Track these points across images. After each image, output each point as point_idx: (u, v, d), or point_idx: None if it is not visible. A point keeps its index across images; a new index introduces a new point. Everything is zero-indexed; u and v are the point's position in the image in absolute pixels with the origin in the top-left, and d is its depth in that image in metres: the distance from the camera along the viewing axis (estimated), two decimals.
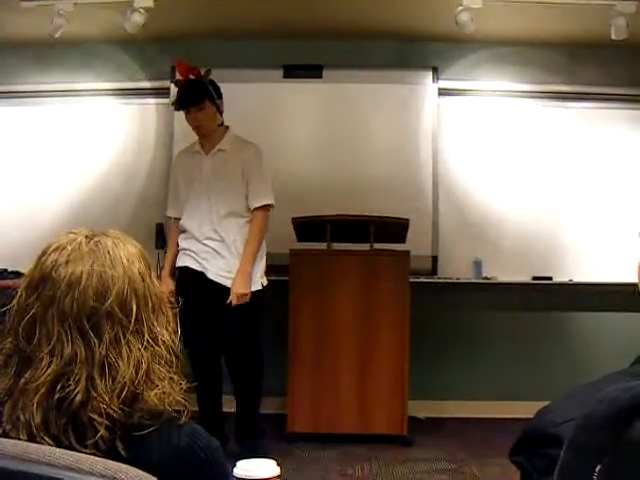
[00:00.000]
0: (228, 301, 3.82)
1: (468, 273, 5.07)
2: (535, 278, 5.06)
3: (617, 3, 4.31)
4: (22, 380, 1.08)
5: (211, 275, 3.92)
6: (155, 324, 1.16)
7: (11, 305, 1.13)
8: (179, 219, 4.08)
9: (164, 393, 1.13)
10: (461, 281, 5.06)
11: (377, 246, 4.39)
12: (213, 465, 1.12)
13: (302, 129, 5.20)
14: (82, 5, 4.41)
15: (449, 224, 5.11)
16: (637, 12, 4.30)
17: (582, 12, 4.47)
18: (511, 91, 5.18)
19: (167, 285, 3.89)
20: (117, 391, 1.08)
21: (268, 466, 1.22)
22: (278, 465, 1.23)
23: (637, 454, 0.78)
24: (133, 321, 1.12)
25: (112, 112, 5.26)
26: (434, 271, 5.06)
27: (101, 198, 5.12)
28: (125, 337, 1.11)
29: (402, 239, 4.38)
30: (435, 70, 5.14)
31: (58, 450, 0.96)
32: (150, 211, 5.06)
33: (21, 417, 1.05)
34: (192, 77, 4.01)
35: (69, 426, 1.05)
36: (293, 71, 5.13)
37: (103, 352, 1.09)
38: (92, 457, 0.94)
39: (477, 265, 5.06)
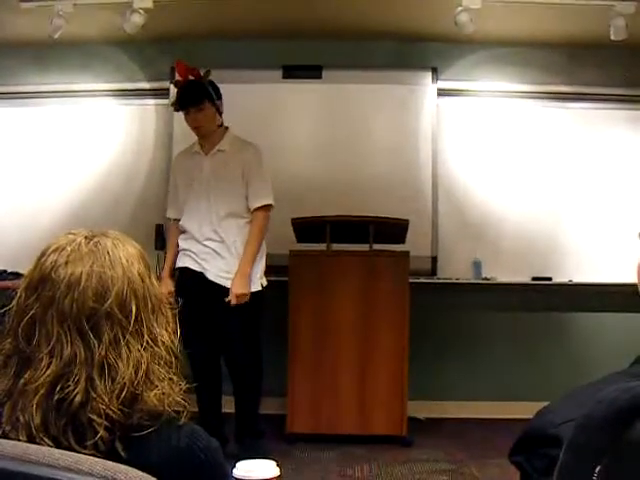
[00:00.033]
0: (227, 300, 3.82)
1: (468, 274, 5.07)
2: (535, 279, 5.06)
3: (616, 4, 4.32)
4: (21, 381, 1.08)
5: (211, 276, 3.92)
6: (154, 325, 1.16)
7: (11, 306, 1.13)
8: (179, 220, 4.08)
9: (163, 394, 1.13)
10: (461, 282, 5.06)
11: (377, 247, 4.38)
12: (213, 466, 1.12)
13: (301, 130, 5.20)
14: (81, 6, 4.41)
15: (449, 225, 5.11)
16: (636, 13, 4.30)
17: (581, 13, 4.47)
18: (510, 92, 5.18)
19: (166, 286, 3.89)
20: (116, 392, 1.07)
21: (268, 467, 1.22)
22: (278, 466, 1.23)
23: (637, 455, 0.78)
24: (132, 322, 1.12)
25: (111, 113, 5.26)
26: (434, 272, 5.06)
27: (100, 199, 5.12)
28: (124, 338, 1.11)
29: (402, 240, 4.38)
30: (434, 71, 5.14)
31: (57, 451, 0.96)
32: (150, 212, 5.06)
33: (20, 418, 1.05)
34: (191, 78, 4.01)
35: (68, 427, 1.05)
36: (292, 72, 5.13)
37: (102, 353, 1.09)
38: (91, 458, 0.94)
39: (477, 266, 5.06)
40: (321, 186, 5.00)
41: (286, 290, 4.28)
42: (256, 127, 4.64)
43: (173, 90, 4.36)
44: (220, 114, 4.04)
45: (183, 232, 4.04)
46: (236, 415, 4.05)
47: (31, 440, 1.03)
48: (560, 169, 5.14)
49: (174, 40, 4.96)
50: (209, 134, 4.01)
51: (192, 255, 3.97)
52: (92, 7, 4.48)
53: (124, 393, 1.08)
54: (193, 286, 3.90)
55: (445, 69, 5.17)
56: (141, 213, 5.09)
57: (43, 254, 1.14)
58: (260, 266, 3.99)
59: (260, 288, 3.96)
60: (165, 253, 4.32)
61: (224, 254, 3.93)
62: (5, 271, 4.78)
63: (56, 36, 4.44)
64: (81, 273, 1.11)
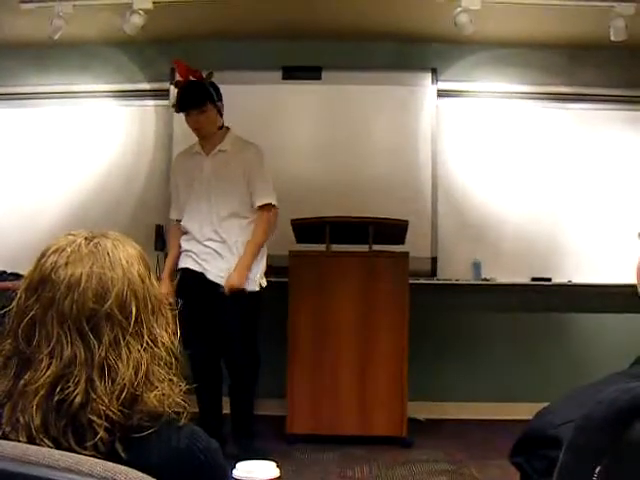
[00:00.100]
0: (221, 291, 3.82)
1: (467, 274, 5.07)
2: (534, 279, 5.06)
3: (616, 5, 4.32)
4: (21, 382, 1.08)
5: (211, 276, 3.92)
6: (154, 326, 1.16)
7: (11, 307, 1.13)
8: (180, 221, 4.08)
9: (163, 395, 1.13)
10: (460, 282, 5.06)
11: (376, 247, 4.38)
12: (212, 467, 1.12)
13: (301, 131, 5.20)
14: (81, 7, 4.41)
15: (448, 225, 5.11)
16: (636, 14, 4.30)
17: (581, 14, 4.47)
18: (510, 92, 5.18)
19: (166, 286, 3.89)
20: (116, 393, 1.07)
21: (268, 468, 1.22)
22: (278, 467, 1.23)
23: (637, 455, 0.78)
24: (132, 323, 1.12)
25: (111, 114, 5.26)
26: (433, 272, 5.06)
27: (100, 200, 5.12)
28: (124, 339, 1.11)
29: (401, 240, 4.38)
30: (434, 71, 5.14)
31: (57, 452, 0.96)
32: (150, 213, 5.07)
33: (20, 419, 1.05)
34: (192, 78, 4.00)
35: (68, 428, 1.05)
36: (292, 73, 5.13)
37: (102, 354, 1.09)
38: (91, 459, 0.94)
39: (476, 266, 5.06)
40: (321, 187, 5.01)
41: (286, 291, 4.28)
42: (256, 128, 4.64)
43: (173, 91, 4.36)
44: (221, 115, 4.05)
45: (185, 233, 4.04)
46: (231, 415, 4.05)
47: (31, 441, 1.03)
48: (560, 170, 5.14)
49: (174, 41, 4.96)
50: (210, 135, 4.01)
51: (193, 256, 3.97)
52: (92, 8, 4.48)
53: (124, 394, 1.08)
54: (194, 287, 3.90)
55: (445, 70, 5.17)
56: (141, 214, 5.09)
57: (43, 255, 1.14)
58: (260, 266, 3.99)
59: (258, 288, 3.95)
60: (165, 254, 4.32)
61: (225, 254, 3.93)
62: (5, 272, 4.78)
63: (56, 37, 4.44)
64: (81, 274, 1.11)
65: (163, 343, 1.16)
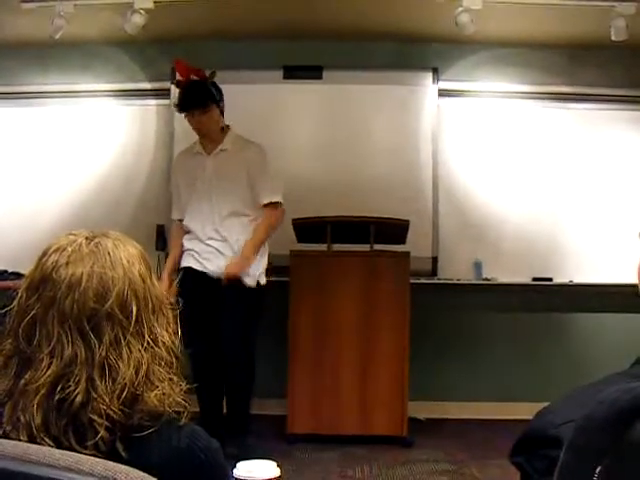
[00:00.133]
0: (221, 283, 3.84)
1: (468, 274, 5.07)
2: (535, 279, 5.06)
3: (617, 4, 4.31)
4: (22, 381, 1.08)
5: (212, 273, 3.93)
6: (155, 325, 1.16)
7: (11, 306, 1.13)
8: (182, 220, 4.09)
9: (164, 394, 1.13)
10: (461, 282, 5.06)
11: (377, 247, 4.39)
12: (213, 466, 1.12)
13: (302, 130, 5.20)
14: (82, 6, 4.41)
15: (449, 225, 5.11)
16: (637, 13, 4.30)
17: (582, 13, 4.47)
18: (511, 92, 5.18)
19: (165, 285, 3.88)
20: (117, 392, 1.07)
21: (268, 467, 1.22)
22: (278, 466, 1.23)
23: (637, 455, 0.78)
24: (133, 322, 1.12)
25: (112, 113, 5.26)
26: (434, 272, 5.06)
27: (101, 199, 5.12)
28: (125, 338, 1.11)
29: (402, 240, 4.38)
30: (435, 71, 5.14)
31: (58, 451, 0.96)
32: (150, 212, 5.07)
33: (21, 418, 1.05)
34: (195, 78, 3.99)
35: (69, 427, 1.05)
36: (293, 72, 5.13)
37: (103, 353, 1.09)
38: (92, 458, 0.94)
39: (477, 266, 5.06)
40: (322, 186, 5.00)
41: (287, 290, 4.28)
42: (257, 128, 4.64)
43: (175, 90, 4.36)
44: (223, 115, 4.05)
45: (187, 232, 4.05)
46: (227, 413, 4.04)
47: (32, 440, 1.03)
48: (561, 170, 5.14)
49: (175, 40, 4.96)
50: (211, 135, 4.01)
51: (195, 255, 3.98)
52: (93, 7, 4.48)
53: (125, 393, 1.08)
54: (195, 286, 3.90)
55: (446, 70, 5.17)
56: (142, 214, 5.09)
57: (44, 254, 1.14)
58: (261, 264, 4.00)
59: (254, 285, 3.94)
60: (166, 253, 4.32)
61: (226, 252, 3.94)
62: (6, 271, 4.78)
63: (57, 36, 4.44)
64: (82, 274, 1.11)
65: (164, 343, 1.16)
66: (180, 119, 4.29)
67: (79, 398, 1.05)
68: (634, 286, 1.09)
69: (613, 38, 4.38)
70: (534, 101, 5.18)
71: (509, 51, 5.10)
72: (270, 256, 4.09)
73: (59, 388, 1.06)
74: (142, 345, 1.13)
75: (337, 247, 4.40)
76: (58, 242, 1.15)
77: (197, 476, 1.10)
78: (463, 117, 5.20)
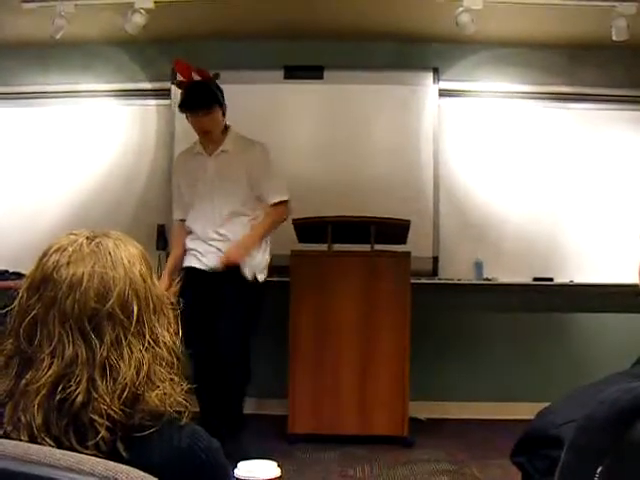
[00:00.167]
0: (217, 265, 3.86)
1: (469, 274, 5.07)
2: (536, 279, 5.05)
3: (618, 4, 4.31)
4: (23, 381, 1.08)
5: (212, 268, 3.93)
6: (156, 325, 1.16)
7: (12, 306, 1.13)
8: (184, 220, 4.09)
9: (165, 394, 1.13)
10: (462, 282, 5.06)
11: (378, 247, 4.39)
12: (214, 466, 1.12)
13: (303, 130, 5.20)
14: (83, 6, 4.41)
15: (450, 225, 5.11)
16: (637, 13, 4.30)
17: (583, 13, 4.47)
18: (512, 92, 5.18)
19: (165, 284, 3.87)
20: (118, 392, 1.08)
21: (269, 467, 1.22)
22: (279, 466, 1.23)
23: (638, 455, 0.78)
24: (134, 322, 1.12)
25: (113, 113, 5.26)
26: (435, 272, 5.06)
27: (102, 199, 5.12)
28: (126, 338, 1.11)
29: (403, 240, 4.38)
30: (436, 71, 5.14)
31: (59, 451, 0.96)
32: (151, 212, 5.07)
33: (22, 418, 1.05)
34: (198, 78, 3.99)
35: (70, 427, 1.05)
36: (294, 72, 5.13)
37: (104, 353, 1.09)
38: (93, 458, 0.94)
39: (478, 266, 5.06)
40: (322, 186, 5.01)
41: (287, 290, 4.28)
42: (257, 128, 4.64)
43: (175, 90, 4.35)
44: (224, 116, 4.05)
45: (190, 233, 4.06)
46: (221, 412, 4.00)
47: (32, 440, 1.03)
48: (561, 170, 5.14)
49: (175, 40, 4.96)
50: (213, 136, 4.01)
51: (197, 255, 3.99)
52: (93, 7, 4.48)
53: (125, 393, 1.08)
54: (196, 286, 3.90)
55: (446, 70, 5.17)
56: (142, 213, 5.09)
57: (45, 254, 1.14)
58: (262, 260, 4.00)
59: (252, 277, 3.94)
60: (167, 253, 4.32)
61: None
62: (7, 271, 4.78)
63: (58, 36, 4.45)
64: (83, 273, 1.11)
65: (165, 343, 1.16)
66: (180, 119, 4.29)
67: (80, 398, 1.05)
68: (635, 286, 1.09)
69: (614, 38, 4.38)
70: (534, 101, 5.18)
71: (510, 51, 5.10)
72: (271, 256, 4.09)
73: (60, 388, 1.06)
74: (143, 345, 1.13)
75: (338, 247, 4.40)
76: (59, 242, 1.15)
77: (198, 476, 1.10)
78: (464, 117, 5.20)
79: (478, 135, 5.18)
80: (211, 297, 3.90)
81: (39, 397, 1.06)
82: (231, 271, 3.88)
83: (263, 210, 4.02)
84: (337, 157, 5.10)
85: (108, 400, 1.06)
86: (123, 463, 0.94)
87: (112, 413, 1.06)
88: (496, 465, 3.76)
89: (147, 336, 1.14)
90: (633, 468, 0.78)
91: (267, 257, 4.05)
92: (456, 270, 5.07)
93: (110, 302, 1.10)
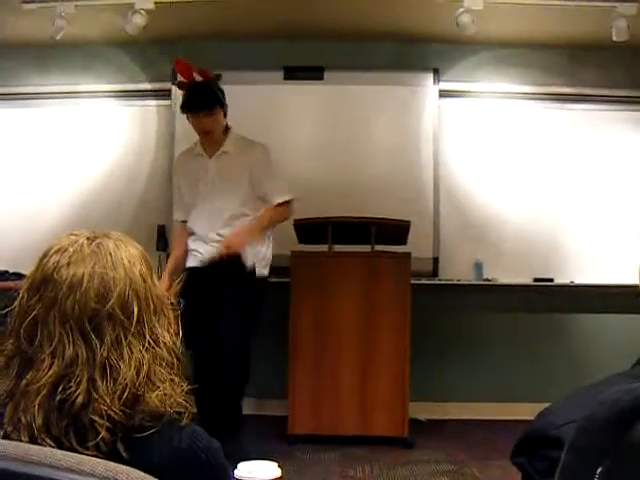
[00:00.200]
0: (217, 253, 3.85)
1: (469, 275, 5.07)
2: (536, 280, 5.05)
3: (618, 5, 4.32)
4: (23, 382, 1.08)
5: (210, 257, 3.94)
6: (156, 326, 1.16)
7: (13, 307, 1.13)
8: (186, 221, 4.09)
9: (165, 395, 1.13)
10: (462, 283, 5.06)
11: (378, 248, 4.38)
12: (214, 466, 1.12)
13: (303, 131, 5.20)
14: (83, 7, 4.42)
15: (450, 226, 5.11)
16: (638, 14, 4.30)
17: (583, 14, 4.47)
18: (512, 93, 5.18)
19: (164, 283, 3.86)
20: (118, 393, 1.08)
21: (269, 468, 1.22)
22: (279, 467, 1.23)
23: (638, 456, 0.78)
24: (134, 323, 1.12)
25: (113, 114, 5.26)
26: (435, 273, 5.06)
27: (102, 200, 5.12)
28: (126, 339, 1.11)
29: (403, 241, 4.38)
30: (436, 72, 5.14)
31: (59, 452, 0.96)
32: (151, 213, 5.07)
33: (22, 419, 1.06)
34: (200, 78, 3.98)
35: (70, 428, 1.05)
36: (294, 73, 5.13)
37: (104, 354, 1.09)
38: (93, 459, 0.94)
39: (478, 267, 5.06)
40: (322, 187, 5.00)
41: (288, 291, 4.28)
42: (257, 128, 4.64)
43: (175, 91, 4.35)
44: (226, 117, 4.05)
45: (192, 233, 4.06)
46: (220, 412, 3.98)
47: (33, 441, 1.03)
48: (561, 170, 5.14)
49: (175, 41, 4.96)
50: (214, 137, 4.01)
51: (199, 255, 4.00)
52: (94, 8, 4.48)
53: (126, 394, 1.08)
54: (197, 286, 3.90)
55: (447, 70, 5.17)
56: (143, 214, 5.09)
57: (45, 255, 1.14)
58: (267, 252, 4.00)
59: (251, 268, 3.93)
60: (167, 254, 4.32)
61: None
62: (7, 271, 4.78)
63: (58, 37, 4.45)
64: (83, 274, 1.11)
65: (165, 343, 1.16)
66: (181, 120, 4.29)
67: (80, 399, 1.05)
68: (635, 287, 1.09)
69: (614, 39, 4.38)
70: (535, 102, 5.18)
71: (510, 52, 5.11)
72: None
73: (60, 389, 1.06)
74: (143, 345, 1.13)
75: (338, 248, 4.40)
76: (59, 243, 1.15)
77: (198, 476, 1.10)
78: (464, 118, 5.20)
79: (478, 136, 5.19)
80: (211, 297, 3.89)
81: (39, 397, 1.06)
82: (231, 269, 3.87)
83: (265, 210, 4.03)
84: (337, 158, 5.10)
85: (108, 401, 1.06)
86: (123, 464, 0.94)
87: (112, 414, 1.06)
88: (496, 466, 3.76)
89: (147, 336, 1.14)
90: (633, 469, 0.78)
91: (269, 251, 4.05)
92: (456, 271, 5.07)
93: (110, 302, 1.10)
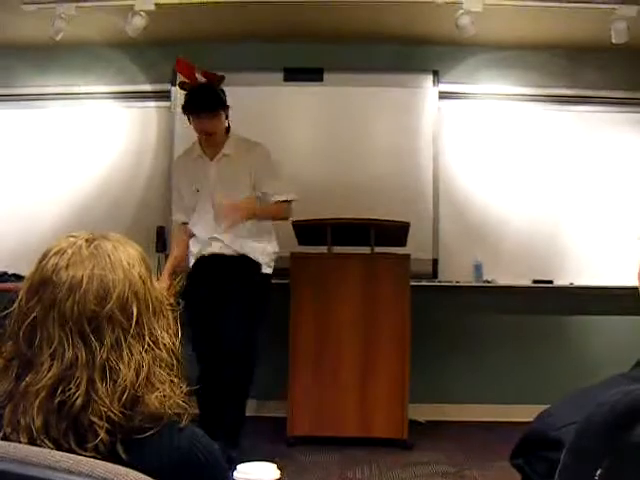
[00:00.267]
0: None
1: (468, 276, 5.07)
2: (536, 281, 5.05)
3: (618, 7, 4.32)
4: (23, 384, 1.08)
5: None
6: (156, 327, 1.16)
7: (12, 309, 1.13)
8: (186, 223, 4.09)
9: (165, 396, 1.13)
10: (461, 284, 5.06)
11: (378, 249, 4.38)
12: (213, 468, 1.12)
13: (303, 132, 5.20)
14: (83, 8, 4.42)
15: (449, 227, 5.11)
16: (638, 16, 4.30)
17: (583, 16, 4.47)
18: (511, 94, 5.19)
19: (164, 284, 3.84)
20: (118, 394, 1.07)
21: (268, 469, 1.22)
22: (279, 468, 1.23)
23: (637, 458, 0.78)
24: (134, 324, 1.12)
25: (113, 115, 5.26)
26: (434, 274, 5.06)
27: (101, 201, 5.12)
28: (126, 340, 1.11)
29: (403, 242, 4.38)
30: (436, 73, 5.15)
31: (58, 453, 0.96)
32: (151, 214, 5.07)
33: (21, 420, 1.05)
34: (203, 80, 3.98)
35: (69, 429, 1.05)
36: (294, 74, 5.13)
37: (104, 355, 1.09)
38: (92, 460, 0.94)
39: (477, 268, 5.06)
40: (322, 188, 5.00)
41: (287, 292, 4.28)
42: (257, 130, 4.63)
43: (175, 92, 4.35)
44: (227, 119, 4.05)
45: (192, 235, 4.06)
46: (223, 413, 3.97)
47: (32, 442, 1.03)
48: (561, 172, 5.14)
49: (175, 43, 4.96)
50: (215, 138, 4.01)
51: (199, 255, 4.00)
52: (94, 9, 4.48)
53: (125, 396, 1.08)
54: (201, 286, 3.89)
55: (446, 72, 5.17)
56: (142, 215, 5.09)
57: (44, 257, 1.14)
58: (271, 247, 4.00)
59: (258, 258, 3.94)
60: (166, 255, 4.31)
61: (231, 254, 3.96)
62: (6, 273, 4.78)
63: (58, 38, 4.45)
64: (82, 276, 1.11)
65: (164, 344, 1.16)
66: (181, 121, 4.29)
67: (79, 401, 1.05)
68: (634, 288, 1.09)
69: (614, 41, 4.38)
70: (534, 103, 5.18)
71: (509, 53, 5.11)
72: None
73: (59, 391, 1.06)
74: (143, 347, 1.13)
75: (338, 249, 4.40)
76: (58, 244, 1.15)
77: (198, 478, 1.10)
78: (463, 119, 5.20)
79: (478, 137, 5.19)
80: (216, 297, 3.89)
81: (39, 399, 1.06)
82: (236, 268, 3.87)
83: None
84: (337, 159, 5.10)
85: (108, 402, 1.06)
86: (122, 465, 0.94)
87: (112, 415, 1.06)
88: (496, 467, 3.76)
89: (147, 338, 1.14)
90: (632, 470, 0.78)
91: (275, 247, 4.05)
92: (456, 272, 5.07)
93: (109, 304, 1.10)
